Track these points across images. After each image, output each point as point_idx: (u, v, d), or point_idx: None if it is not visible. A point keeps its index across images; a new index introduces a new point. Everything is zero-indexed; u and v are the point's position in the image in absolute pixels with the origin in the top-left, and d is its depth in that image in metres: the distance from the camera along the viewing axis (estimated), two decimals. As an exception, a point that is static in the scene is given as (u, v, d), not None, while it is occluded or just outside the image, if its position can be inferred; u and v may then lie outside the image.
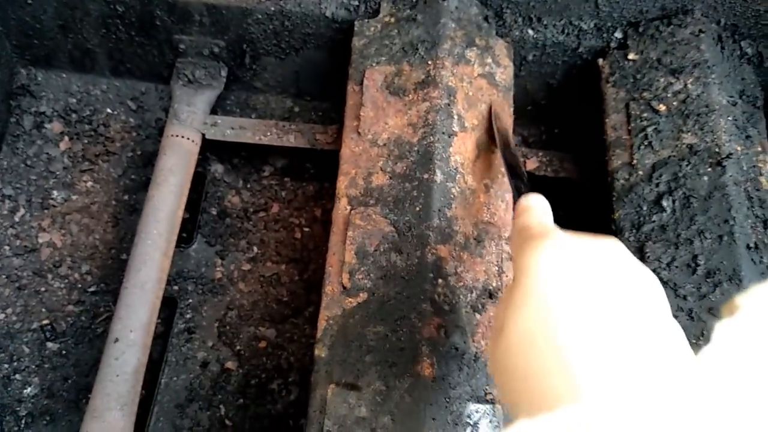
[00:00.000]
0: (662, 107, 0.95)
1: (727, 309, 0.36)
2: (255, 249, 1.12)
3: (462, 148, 0.88)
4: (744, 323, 0.34)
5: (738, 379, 0.31)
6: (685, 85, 0.95)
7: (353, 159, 0.90)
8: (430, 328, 0.76)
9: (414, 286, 0.78)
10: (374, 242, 0.83)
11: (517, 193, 0.68)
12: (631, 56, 1.01)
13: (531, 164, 1.08)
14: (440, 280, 0.79)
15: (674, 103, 0.95)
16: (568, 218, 0.88)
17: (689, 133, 0.92)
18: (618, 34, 1.04)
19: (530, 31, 1.04)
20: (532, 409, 0.38)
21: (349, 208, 0.87)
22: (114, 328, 0.90)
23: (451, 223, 0.83)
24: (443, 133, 0.88)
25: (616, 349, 0.37)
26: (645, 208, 0.90)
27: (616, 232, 0.90)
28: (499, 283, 0.81)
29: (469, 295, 0.79)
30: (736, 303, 0.36)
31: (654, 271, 0.70)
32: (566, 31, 1.04)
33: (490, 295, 0.80)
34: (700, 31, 0.99)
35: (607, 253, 0.45)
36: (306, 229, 1.13)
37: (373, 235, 0.83)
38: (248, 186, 1.16)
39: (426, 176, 0.85)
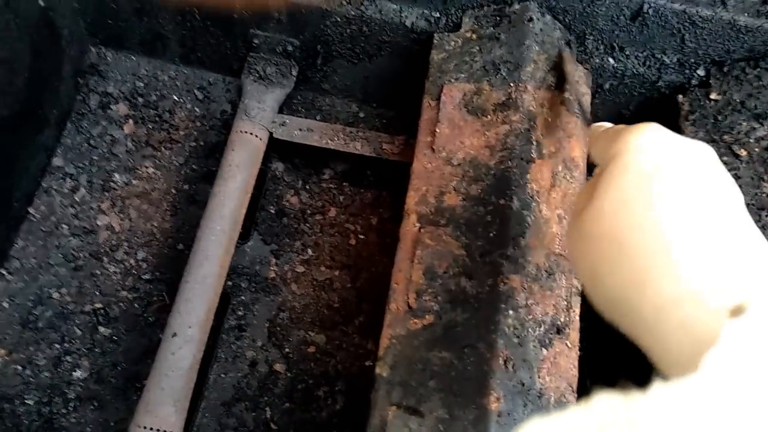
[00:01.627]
0: (743, 152, 0.93)
1: (734, 310, 0.35)
2: (309, 251, 1.11)
3: (539, 176, 0.87)
4: (751, 324, 0.33)
5: (745, 381, 0.30)
6: (769, 131, 0.93)
7: (425, 175, 0.89)
8: (498, 360, 0.75)
9: (484, 315, 0.78)
10: (444, 264, 0.82)
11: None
12: (713, 96, 0.99)
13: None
14: (511, 312, 0.78)
15: (756, 149, 0.93)
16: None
17: (770, 182, 0.90)
18: (701, 72, 1.01)
19: (611, 60, 1.02)
20: (619, 276, 0.40)
21: (418, 225, 0.86)
22: (172, 322, 0.90)
23: (525, 252, 0.81)
24: (521, 158, 0.86)
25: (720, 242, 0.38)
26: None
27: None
28: (567, 319, 0.80)
29: (537, 329, 0.78)
30: (743, 304, 0.34)
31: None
32: (648, 63, 1.02)
33: (558, 331, 0.79)
34: (789, 76, 0.96)
35: (708, 151, 0.44)
36: (361, 236, 1.13)
37: (443, 256, 0.83)
38: (307, 187, 1.16)
39: (502, 202, 0.84)
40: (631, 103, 1.08)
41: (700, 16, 0.94)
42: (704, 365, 0.31)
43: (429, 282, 0.81)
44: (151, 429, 0.84)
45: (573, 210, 0.48)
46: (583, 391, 0.78)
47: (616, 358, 1.03)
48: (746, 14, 0.95)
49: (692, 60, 1.01)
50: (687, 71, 1.02)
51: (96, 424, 0.97)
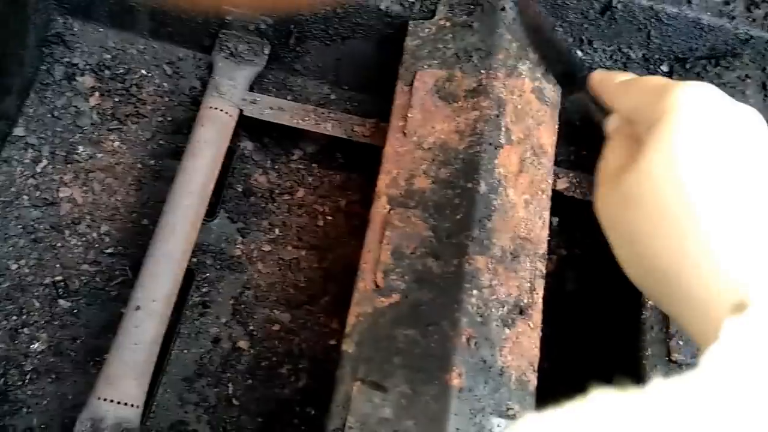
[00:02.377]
0: (702, 146, 0.96)
1: (736, 306, 0.35)
2: (276, 231, 1.11)
3: (507, 161, 0.89)
4: (751, 322, 0.33)
5: (745, 379, 0.31)
6: (727, 127, 0.97)
7: (396, 159, 0.90)
8: (461, 338, 0.77)
9: (448, 294, 0.79)
10: (411, 245, 0.83)
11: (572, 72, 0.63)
12: (675, 91, 1.02)
13: (561, 184, 1.09)
14: (475, 291, 0.79)
15: (714, 144, 0.96)
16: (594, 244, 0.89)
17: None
18: (664, 68, 1.05)
19: (579, 53, 1.05)
20: (660, 241, 0.39)
21: (388, 207, 0.87)
22: (136, 295, 0.89)
23: (490, 235, 0.83)
24: (490, 144, 0.88)
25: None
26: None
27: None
28: (531, 301, 0.82)
29: (500, 309, 0.80)
30: (744, 300, 0.35)
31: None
32: (614, 57, 1.05)
33: (521, 311, 0.81)
34: (747, 76, 1.00)
35: (759, 117, 0.43)
36: (329, 218, 1.13)
37: (411, 238, 0.84)
38: (276, 167, 1.16)
39: (470, 185, 0.85)
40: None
41: (666, 13, 0.98)
42: (704, 362, 0.31)
43: (396, 262, 0.83)
44: (112, 401, 0.83)
45: (604, 170, 0.46)
46: (543, 371, 0.81)
47: (578, 342, 1.06)
48: (709, 13, 0.98)
49: (657, 56, 1.04)
50: (651, 66, 1.05)
51: (53, 397, 0.95)
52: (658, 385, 0.30)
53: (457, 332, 0.77)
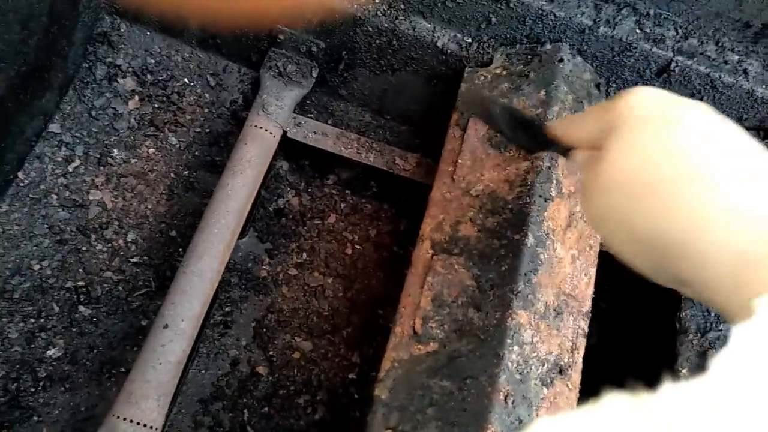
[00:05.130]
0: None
1: (745, 312, 0.35)
2: (304, 255, 1.10)
3: (556, 214, 0.87)
4: (761, 325, 0.33)
5: (755, 383, 0.30)
6: None
7: (443, 204, 0.89)
8: (499, 395, 0.75)
9: (489, 348, 0.78)
10: (453, 293, 0.82)
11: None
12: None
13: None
14: (516, 347, 0.78)
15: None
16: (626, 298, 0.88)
17: None
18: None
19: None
20: (646, 213, 0.43)
21: (431, 252, 0.85)
22: (165, 312, 0.87)
23: (535, 289, 0.82)
24: (540, 196, 0.87)
25: None
26: (713, 314, 0.90)
27: (678, 331, 0.91)
28: (571, 360, 0.81)
29: (540, 367, 0.79)
30: (753, 305, 0.35)
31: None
32: (664, 117, 1.04)
33: (561, 371, 0.80)
34: None
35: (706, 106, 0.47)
36: (357, 247, 1.12)
37: (453, 285, 0.82)
38: (309, 190, 1.14)
39: (517, 237, 0.84)
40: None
41: (722, 82, 0.97)
42: (714, 366, 0.31)
43: (437, 309, 0.81)
44: (131, 421, 0.81)
45: (585, 188, 0.50)
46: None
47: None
48: (765, 86, 0.98)
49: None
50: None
51: (65, 408, 0.93)
52: (669, 388, 0.30)
53: (495, 388, 0.75)
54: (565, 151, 0.56)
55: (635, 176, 0.44)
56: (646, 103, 0.46)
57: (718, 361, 0.31)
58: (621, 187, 0.45)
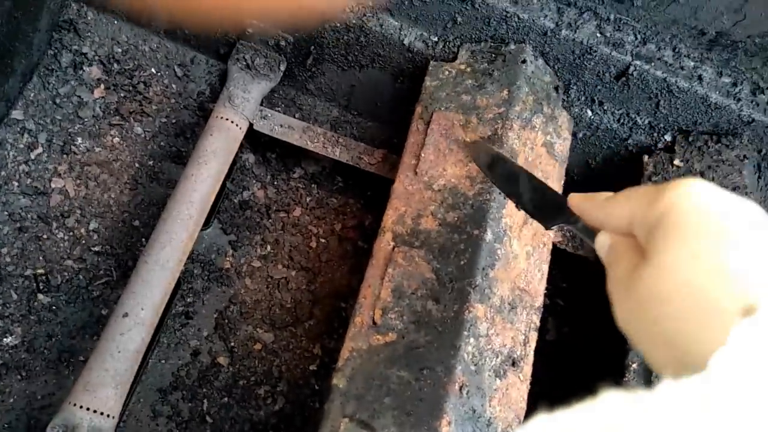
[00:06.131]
0: (697, 219, 0.99)
1: (745, 310, 0.36)
2: (268, 248, 1.10)
3: (513, 212, 0.90)
4: (760, 325, 0.33)
5: (753, 381, 0.31)
6: (722, 204, 1.00)
7: (405, 197, 0.90)
8: (454, 386, 0.77)
9: (446, 339, 0.79)
10: (413, 285, 0.83)
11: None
12: (676, 162, 1.05)
13: (555, 237, 1.11)
14: (472, 339, 0.80)
15: (709, 219, 0.99)
16: (583, 296, 0.90)
17: (717, 251, 0.96)
18: (668, 137, 1.08)
19: (589, 112, 1.07)
20: (702, 328, 0.38)
21: (392, 244, 0.87)
22: (125, 301, 0.87)
23: (492, 284, 0.84)
24: (500, 193, 0.89)
25: None
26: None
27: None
28: (523, 353, 0.83)
29: (494, 359, 0.81)
30: (753, 304, 0.35)
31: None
32: (622, 120, 1.07)
33: (513, 363, 0.82)
34: (745, 156, 1.04)
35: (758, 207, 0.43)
36: (322, 240, 1.13)
37: (413, 278, 0.84)
38: (275, 183, 1.15)
39: (476, 232, 0.86)
40: (598, 155, 1.13)
41: (678, 87, 1.01)
42: (713, 364, 0.32)
43: (396, 301, 0.83)
44: (88, 409, 0.80)
45: (615, 283, 0.45)
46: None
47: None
48: (718, 92, 1.01)
49: (662, 125, 1.07)
50: (655, 134, 1.08)
51: (21, 396, 0.92)
52: (666, 386, 0.31)
53: (451, 379, 0.77)
54: (588, 231, 0.52)
55: (691, 295, 0.39)
56: (702, 206, 0.41)
57: (715, 360, 0.32)
58: (670, 302, 0.40)
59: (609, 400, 0.31)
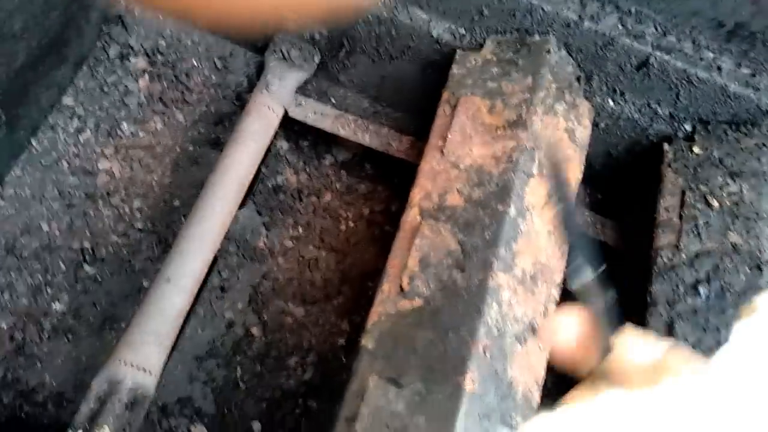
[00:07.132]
0: (716, 203, 1.02)
1: (746, 310, 0.37)
2: (300, 230, 1.15)
3: (536, 191, 0.94)
4: (762, 323, 0.35)
5: (754, 377, 0.32)
6: (741, 188, 1.03)
7: (432, 175, 0.95)
8: (478, 347, 0.80)
9: (470, 305, 0.83)
10: (439, 255, 0.88)
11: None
12: (695, 150, 1.08)
13: (577, 222, 1.14)
14: (495, 305, 0.84)
15: (727, 203, 1.02)
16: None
17: (736, 233, 0.99)
18: (687, 126, 1.11)
19: (611, 102, 1.11)
20: None
21: (419, 218, 0.91)
22: (167, 269, 0.92)
23: (515, 256, 0.88)
24: (523, 172, 0.93)
25: None
26: (682, 289, 0.96)
27: (649, 303, 0.97)
28: (543, 323, 0.87)
29: (516, 325, 0.84)
30: (754, 304, 0.36)
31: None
32: (643, 111, 1.11)
33: (533, 330, 0.86)
34: (764, 144, 1.07)
35: None
36: (351, 224, 1.18)
37: (439, 248, 0.88)
38: (307, 169, 1.20)
39: (500, 207, 0.90)
40: (619, 144, 1.16)
41: (698, 77, 1.04)
42: (714, 361, 0.33)
43: (423, 269, 0.87)
44: (132, 365, 0.86)
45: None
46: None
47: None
48: (737, 83, 1.05)
49: (682, 115, 1.10)
50: (676, 124, 1.11)
51: (68, 358, 0.98)
52: (667, 382, 0.33)
53: (475, 340, 0.81)
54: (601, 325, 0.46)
55: None
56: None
57: (718, 357, 0.34)
58: None
59: (609, 395, 0.33)
